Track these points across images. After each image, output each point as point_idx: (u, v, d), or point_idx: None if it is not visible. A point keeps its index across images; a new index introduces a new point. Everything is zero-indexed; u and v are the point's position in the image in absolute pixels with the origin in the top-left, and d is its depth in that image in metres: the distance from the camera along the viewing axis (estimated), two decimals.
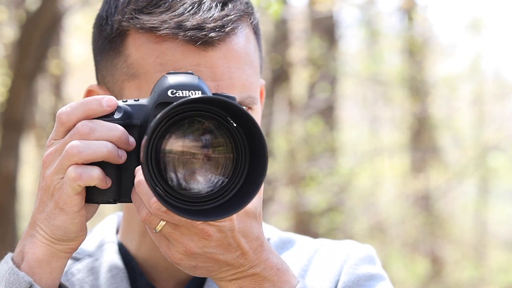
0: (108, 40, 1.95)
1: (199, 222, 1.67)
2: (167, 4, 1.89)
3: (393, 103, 13.89)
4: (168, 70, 1.85)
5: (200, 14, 1.88)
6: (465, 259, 14.79)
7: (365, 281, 2.00)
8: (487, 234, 15.92)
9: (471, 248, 15.33)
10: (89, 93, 2.01)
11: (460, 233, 15.36)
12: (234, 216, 1.69)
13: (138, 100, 1.77)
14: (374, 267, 2.04)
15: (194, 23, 1.87)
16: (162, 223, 1.69)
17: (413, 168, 13.85)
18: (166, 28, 1.88)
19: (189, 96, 1.72)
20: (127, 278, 1.99)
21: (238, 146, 1.67)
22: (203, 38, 1.87)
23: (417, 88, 13.14)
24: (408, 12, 13.44)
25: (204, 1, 1.90)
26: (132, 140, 1.74)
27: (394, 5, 14.94)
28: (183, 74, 1.75)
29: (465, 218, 16.02)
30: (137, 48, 1.91)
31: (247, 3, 1.98)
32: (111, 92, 1.97)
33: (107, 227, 2.11)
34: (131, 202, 1.74)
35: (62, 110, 1.74)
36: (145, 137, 1.64)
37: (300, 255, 2.05)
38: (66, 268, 2.00)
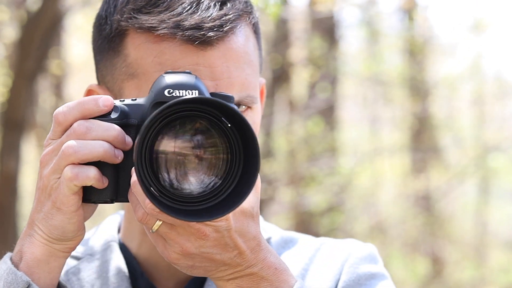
0: (108, 39, 1.96)
1: (194, 222, 1.67)
2: (165, 3, 1.90)
3: (394, 103, 13.89)
4: (167, 70, 1.85)
5: (198, 13, 1.88)
6: (465, 259, 14.79)
7: (366, 280, 1.99)
8: (488, 234, 15.92)
9: (471, 248, 15.33)
10: (89, 92, 2.01)
11: (461, 233, 15.36)
12: (231, 216, 1.69)
13: (135, 99, 1.78)
14: (375, 266, 2.03)
15: (192, 22, 1.88)
16: (159, 222, 1.69)
17: (414, 168, 13.85)
18: (164, 28, 1.88)
19: (185, 95, 1.72)
20: (128, 277, 1.99)
21: (233, 147, 1.67)
22: (201, 38, 1.87)
23: (418, 88, 13.14)
24: (409, 12, 13.44)
25: (202, 0, 1.90)
26: (129, 139, 1.74)
27: (394, 5, 14.95)
28: (180, 74, 1.75)
29: (466, 218, 16.02)
30: (136, 48, 1.92)
31: (246, 2, 1.98)
32: (111, 92, 1.97)
33: (109, 227, 2.11)
34: (128, 201, 1.74)
35: (59, 110, 1.74)
36: (137, 137, 1.64)
37: (302, 254, 2.05)
38: (67, 268, 2.01)
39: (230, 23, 1.90)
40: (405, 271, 13.66)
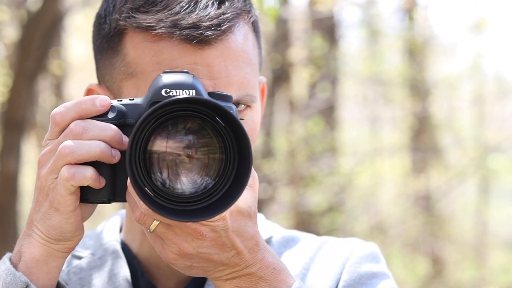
0: (107, 39, 1.96)
1: (190, 222, 1.67)
2: (163, 2, 1.90)
3: (394, 103, 13.88)
4: (165, 69, 1.85)
5: (196, 12, 1.88)
6: (465, 259, 14.79)
7: (367, 279, 1.99)
8: (488, 234, 15.91)
9: (471, 248, 15.32)
10: (88, 92, 2.02)
11: (461, 233, 15.36)
12: (228, 215, 1.69)
13: (133, 99, 1.78)
14: (376, 265, 2.03)
15: (190, 21, 1.87)
16: (156, 222, 1.69)
17: (414, 168, 13.84)
18: (162, 27, 1.88)
19: (183, 95, 1.72)
20: (129, 277, 1.99)
21: (227, 146, 1.67)
22: (198, 37, 1.87)
23: (418, 88, 13.13)
24: (409, 12, 13.44)
25: None
26: (126, 139, 1.73)
27: (394, 5, 14.95)
28: (178, 73, 1.74)
29: (466, 218, 16.01)
30: (134, 47, 1.92)
31: (245, 0, 1.97)
32: (110, 91, 1.97)
33: (111, 226, 2.11)
34: (126, 201, 1.74)
35: (56, 110, 1.74)
36: (129, 138, 1.64)
37: (303, 253, 2.05)
38: (68, 267, 2.01)
39: (228, 22, 1.90)
40: (405, 271, 13.66)
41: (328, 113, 12.18)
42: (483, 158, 13.02)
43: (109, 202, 1.77)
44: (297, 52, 11.81)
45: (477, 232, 15.78)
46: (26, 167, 10.57)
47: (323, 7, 10.70)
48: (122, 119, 1.75)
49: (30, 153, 12.66)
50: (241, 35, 1.94)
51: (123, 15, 1.92)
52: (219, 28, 1.88)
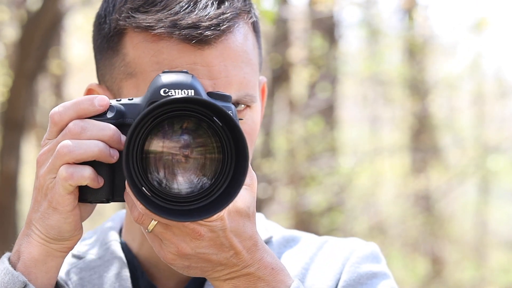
0: (107, 39, 1.96)
1: (188, 222, 1.67)
2: (163, 2, 1.90)
3: (394, 103, 13.89)
4: (164, 69, 1.85)
5: (195, 12, 1.88)
6: (465, 259, 14.79)
7: (367, 279, 1.99)
8: (488, 234, 15.92)
9: (471, 248, 15.33)
10: (88, 91, 2.02)
11: (461, 233, 15.36)
12: (226, 215, 1.69)
13: (132, 99, 1.78)
14: (377, 265, 2.02)
15: (189, 21, 1.87)
16: (154, 222, 1.69)
17: (414, 168, 13.84)
18: (161, 27, 1.88)
19: (181, 95, 1.72)
20: (129, 277, 1.99)
21: (225, 146, 1.67)
22: (198, 37, 1.87)
23: (418, 88, 13.13)
24: (409, 11, 13.44)
25: None
26: (124, 139, 1.74)
27: (394, 5, 14.95)
28: (176, 73, 1.74)
29: (466, 218, 16.02)
30: (134, 47, 1.92)
31: (244, 0, 1.98)
32: (110, 91, 1.97)
33: (111, 226, 2.11)
34: (124, 201, 1.74)
35: (55, 110, 1.74)
36: (126, 138, 1.64)
37: (303, 253, 2.05)
38: (69, 267, 2.01)
39: (227, 22, 1.90)
40: (405, 271, 13.66)
41: (328, 113, 12.18)
42: (483, 158, 13.02)
43: (108, 202, 1.77)
44: (297, 52, 11.81)
45: (477, 232, 15.78)
46: (26, 167, 10.57)
47: (323, 7, 10.70)
48: (121, 119, 1.75)
49: (30, 153, 12.65)
50: (240, 35, 1.94)
51: (123, 15, 1.92)
52: (218, 28, 1.89)
